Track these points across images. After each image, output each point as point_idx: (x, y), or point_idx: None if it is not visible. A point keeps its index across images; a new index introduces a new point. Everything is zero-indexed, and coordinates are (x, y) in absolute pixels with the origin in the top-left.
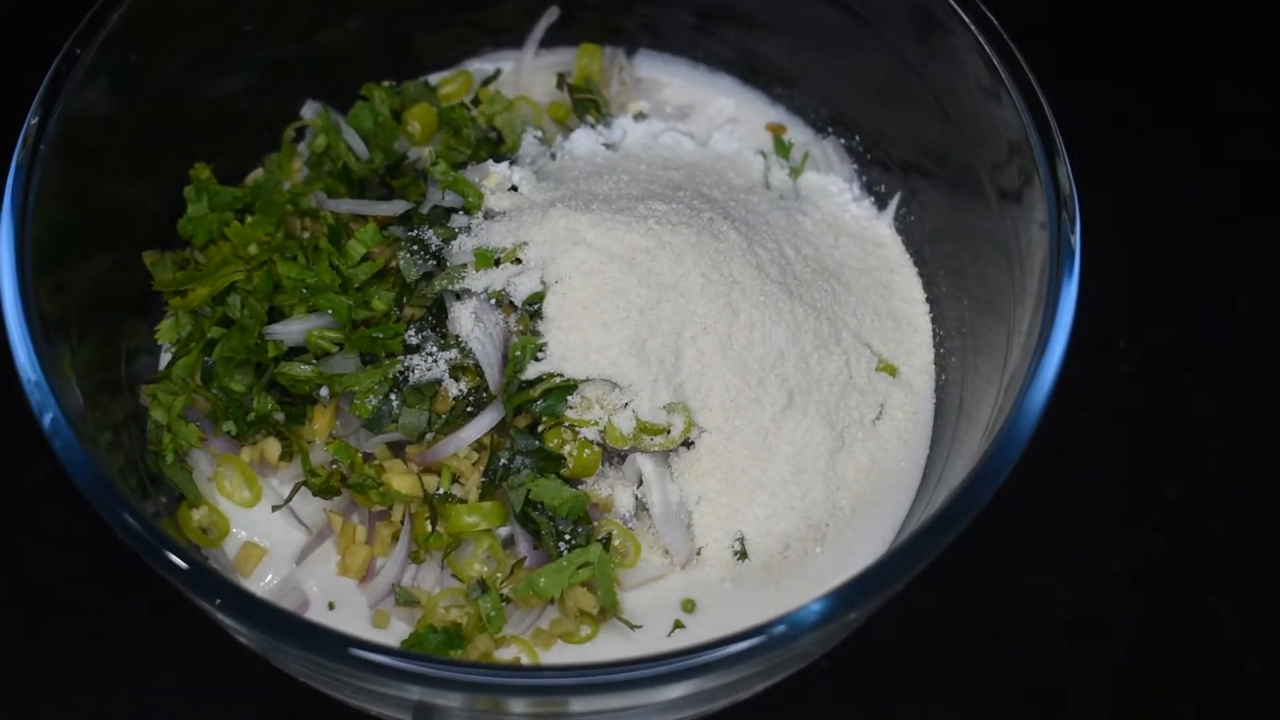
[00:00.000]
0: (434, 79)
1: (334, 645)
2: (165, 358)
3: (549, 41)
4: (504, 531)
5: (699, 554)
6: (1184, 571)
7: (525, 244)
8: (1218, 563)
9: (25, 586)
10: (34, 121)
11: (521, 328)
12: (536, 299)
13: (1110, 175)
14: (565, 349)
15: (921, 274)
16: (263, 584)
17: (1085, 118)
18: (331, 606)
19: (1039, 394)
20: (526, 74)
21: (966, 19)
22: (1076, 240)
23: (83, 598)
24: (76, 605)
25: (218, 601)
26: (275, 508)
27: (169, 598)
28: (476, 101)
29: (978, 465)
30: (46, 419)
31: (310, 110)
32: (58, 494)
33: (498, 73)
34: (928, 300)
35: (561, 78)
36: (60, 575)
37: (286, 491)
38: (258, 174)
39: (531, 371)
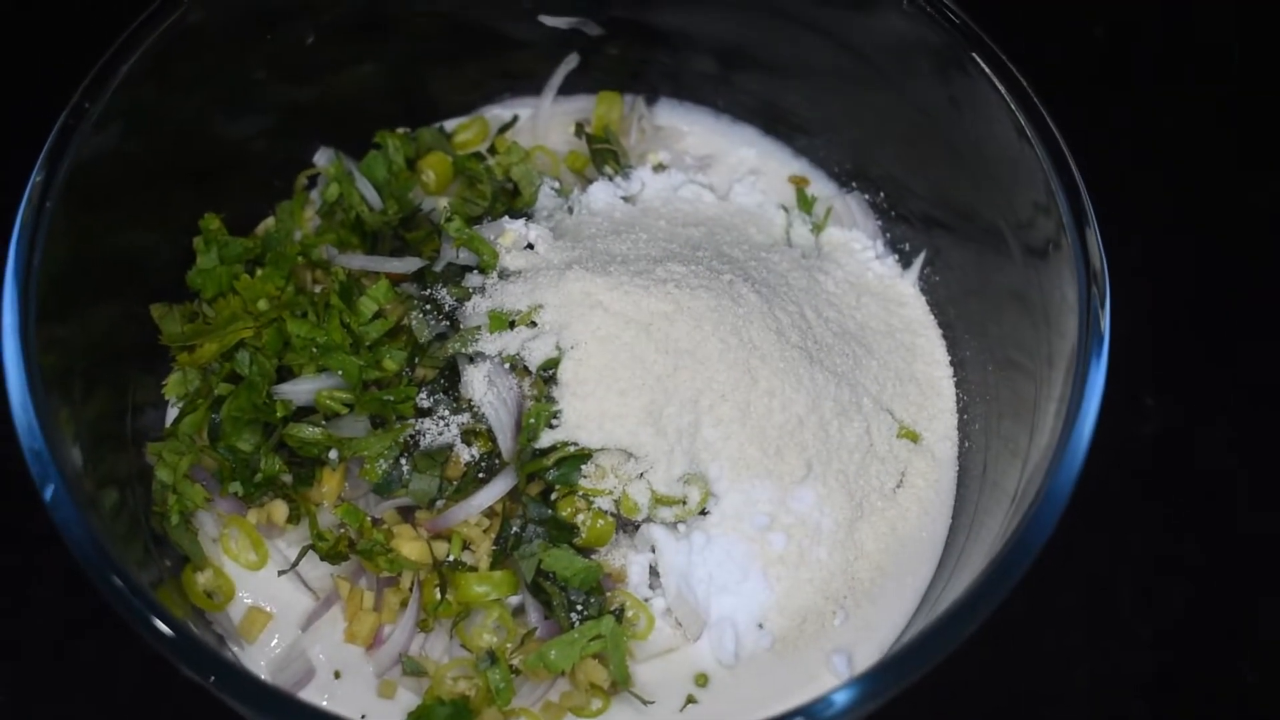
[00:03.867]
0: (450, 125)
1: None
2: (173, 412)
3: (568, 88)
4: (514, 601)
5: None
6: (1208, 635)
7: (541, 307)
8: (1243, 625)
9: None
10: (39, 179)
11: (536, 393)
12: (552, 364)
13: (1136, 221)
14: (580, 417)
15: (945, 336)
16: (268, 650)
17: (1109, 157)
18: (337, 675)
19: (1066, 477)
20: (544, 121)
21: (989, 71)
22: (1106, 322)
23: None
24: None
25: (211, 679)
26: (282, 572)
27: None
28: (493, 150)
29: (1004, 548)
30: (48, 492)
31: (323, 158)
32: None
33: (515, 119)
34: (951, 363)
35: (580, 126)
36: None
37: (293, 555)
38: (269, 223)
39: (545, 439)
